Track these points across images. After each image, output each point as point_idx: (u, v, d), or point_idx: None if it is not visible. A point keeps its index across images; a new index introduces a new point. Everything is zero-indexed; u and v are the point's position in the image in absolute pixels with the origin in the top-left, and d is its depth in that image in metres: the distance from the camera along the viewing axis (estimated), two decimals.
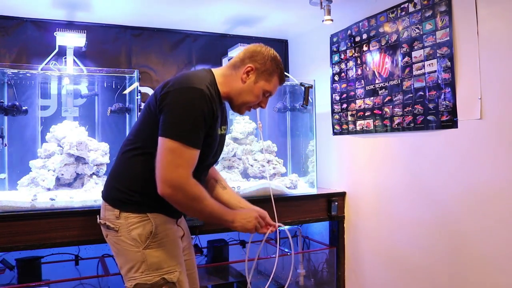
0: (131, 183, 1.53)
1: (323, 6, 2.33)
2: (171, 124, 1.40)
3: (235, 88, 1.58)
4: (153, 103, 1.49)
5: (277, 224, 1.66)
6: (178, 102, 1.41)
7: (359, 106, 2.63)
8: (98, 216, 1.63)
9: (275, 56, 1.61)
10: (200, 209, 1.45)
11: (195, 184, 1.43)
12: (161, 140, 1.40)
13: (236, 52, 2.94)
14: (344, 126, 2.77)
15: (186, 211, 1.51)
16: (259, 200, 2.48)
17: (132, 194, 1.52)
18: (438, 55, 2.08)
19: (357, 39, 2.65)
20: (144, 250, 1.49)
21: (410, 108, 2.25)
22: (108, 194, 1.58)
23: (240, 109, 1.64)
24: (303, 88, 2.68)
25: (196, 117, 1.41)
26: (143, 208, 1.51)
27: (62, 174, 2.39)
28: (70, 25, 2.80)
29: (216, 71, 1.60)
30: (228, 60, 3.11)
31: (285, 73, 3.10)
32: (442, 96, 2.07)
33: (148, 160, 1.47)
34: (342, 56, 2.79)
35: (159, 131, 1.41)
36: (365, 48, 2.58)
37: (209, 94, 1.44)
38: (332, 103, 2.88)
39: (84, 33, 2.43)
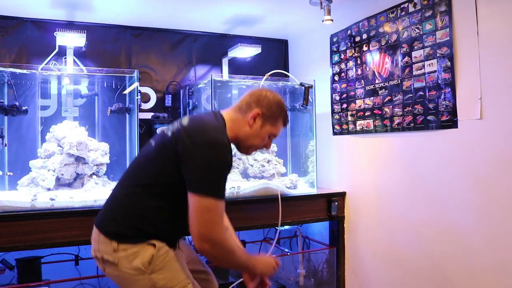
0: (132, 218, 1.51)
1: (323, 6, 2.33)
2: (203, 181, 1.41)
3: (243, 133, 1.62)
4: (171, 146, 1.47)
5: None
6: (207, 158, 1.42)
7: (359, 106, 2.63)
8: (92, 249, 1.60)
9: (280, 101, 1.67)
10: (233, 261, 1.50)
11: (229, 237, 1.48)
12: (195, 197, 1.41)
13: (236, 52, 2.95)
14: (344, 126, 2.77)
15: (220, 262, 1.54)
16: (259, 200, 2.49)
17: (133, 228, 1.50)
18: (438, 55, 2.08)
19: (357, 39, 2.65)
20: (150, 275, 1.47)
21: (410, 108, 2.25)
22: (105, 226, 1.54)
23: (247, 151, 1.70)
24: (303, 88, 2.69)
25: (224, 171, 1.45)
26: (143, 238, 1.50)
27: (62, 174, 2.39)
28: (70, 25, 2.80)
29: (225, 115, 1.63)
30: (228, 60, 3.12)
31: (286, 72, 3.11)
32: (442, 96, 2.07)
33: (153, 197, 1.49)
34: (342, 56, 2.79)
35: (190, 187, 1.42)
36: (365, 48, 2.58)
37: (229, 146, 1.49)
38: (332, 103, 2.88)
39: (84, 33, 2.43)
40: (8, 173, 2.43)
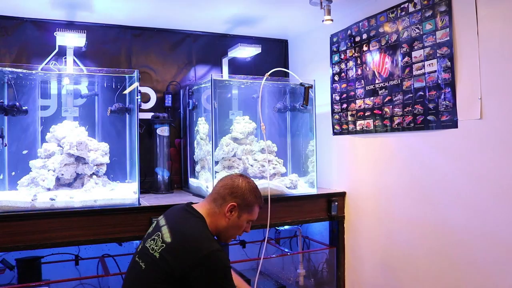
0: None
1: (323, 6, 2.33)
2: None
3: (221, 226, 1.69)
4: (163, 269, 1.48)
5: None
6: (210, 274, 1.47)
7: (359, 106, 2.63)
8: None
9: (253, 187, 1.73)
10: None
11: None
12: None
13: (236, 52, 2.95)
14: (344, 126, 2.77)
15: None
16: None
17: None
18: (438, 55, 2.08)
19: (357, 39, 2.65)
20: None
21: (410, 108, 2.25)
22: None
23: (227, 240, 1.76)
24: (303, 88, 2.69)
25: (229, 271, 1.53)
26: None
27: (62, 174, 2.39)
28: (70, 25, 2.80)
29: (202, 210, 1.68)
30: (228, 60, 3.12)
31: (287, 70, 3.10)
32: (442, 96, 2.07)
33: None
34: (342, 56, 2.79)
35: None
36: (365, 48, 2.58)
37: (218, 244, 1.56)
38: (332, 103, 2.88)
39: (84, 33, 2.43)
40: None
